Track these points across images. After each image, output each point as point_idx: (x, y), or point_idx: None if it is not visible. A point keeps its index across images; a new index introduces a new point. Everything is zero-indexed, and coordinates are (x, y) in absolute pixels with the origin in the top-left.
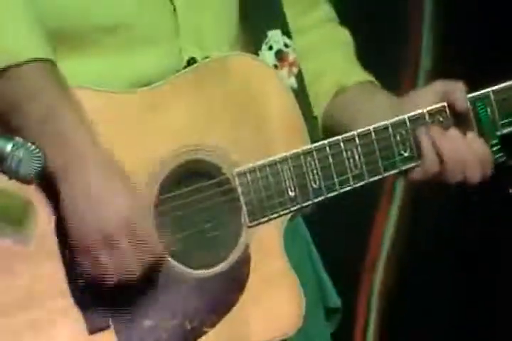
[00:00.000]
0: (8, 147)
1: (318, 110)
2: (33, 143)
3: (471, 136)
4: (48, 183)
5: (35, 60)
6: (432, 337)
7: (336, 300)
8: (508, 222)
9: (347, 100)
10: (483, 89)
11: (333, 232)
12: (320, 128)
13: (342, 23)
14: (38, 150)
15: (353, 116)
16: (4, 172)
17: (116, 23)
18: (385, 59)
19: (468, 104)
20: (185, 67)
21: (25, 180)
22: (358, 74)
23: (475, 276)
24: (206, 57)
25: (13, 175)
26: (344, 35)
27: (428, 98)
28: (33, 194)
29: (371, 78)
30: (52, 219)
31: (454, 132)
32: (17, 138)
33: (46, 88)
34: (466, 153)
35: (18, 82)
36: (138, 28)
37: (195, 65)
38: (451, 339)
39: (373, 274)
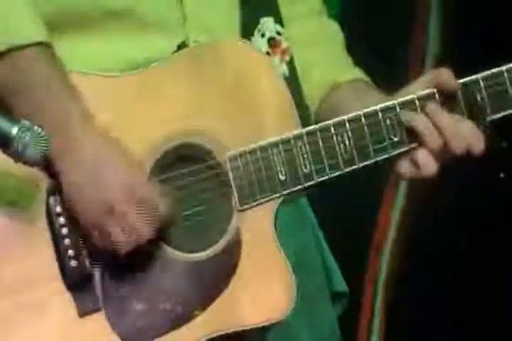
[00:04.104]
0: (15, 130)
1: (310, 102)
2: (39, 127)
3: (458, 117)
4: (46, 167)
5: (38, 44)
6: (436, 322)
7: (342, 285)
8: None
9: (340, 97)
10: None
11: (340, 217)
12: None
13: (348, 8)
14: (44, 133)
15: (345, 113)
16: (11, 155)
17: (126, 7)
18: (391, 47)
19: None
20: (175, 51)
21: (31, 163)
22: (351, 71)
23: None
24: (196, 42)
25: (20, 158)
26: (334, 28)
27: (419, 89)
28: (35, 176)
29: (363, 75)
30: (44, 202)
31: (443, 116)
32: (23, 121)
33: (47, 74)
34: (453, 134)
35: (18, 66)
36: (146, 13)
37: (185, 50)
38: (455, 323)
39: (380, 259)
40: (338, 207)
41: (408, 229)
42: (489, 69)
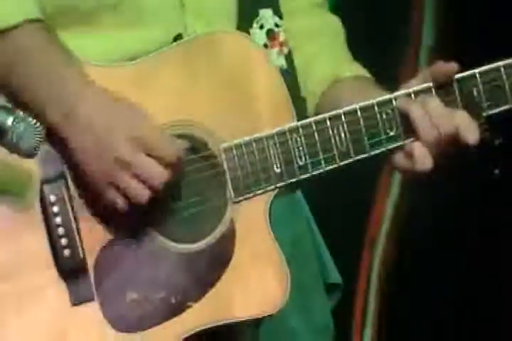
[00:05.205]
0: (9, 121)
1: (311, 96)
2: (33, 118)
3: (452, 109)
4: (51, 145)
5: (34, 21)
6: (430, 312)
7: (336, 276)
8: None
9: (342, 92)
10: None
11: (334, 209)
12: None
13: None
14: (38, 124)
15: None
16: (5, 146)
17: None
18: (386, 35)
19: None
20: (171, 43)
21: (25, 154)
22: (354, 67)
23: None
24: (193, 33)
25: (14, 148)
26: (335, 22)
27: (417, 85)
28: (29, 165)
29: (365, 72)
30: (37, 191)
31: (434, 103)
32: (18, 112)
33: (44, 45)
34: (444, 120)
35: (17, 41)
36: (144, 3)
37: (182, 41)
38: (451, 315)
39: (373, 251)
40: (332, 200)
41: (402, 222)
42: (485, 62)
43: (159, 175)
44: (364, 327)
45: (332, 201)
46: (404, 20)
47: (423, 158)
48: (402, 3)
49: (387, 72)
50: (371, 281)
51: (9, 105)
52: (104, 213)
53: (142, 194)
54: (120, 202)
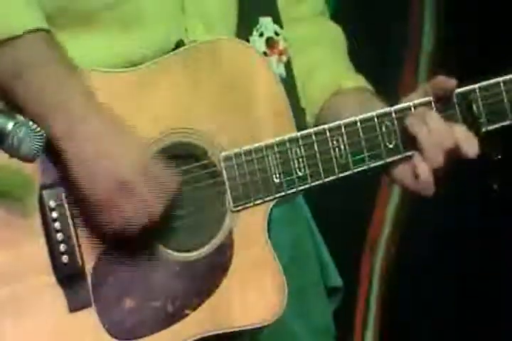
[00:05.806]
0: (10, 125)
1: (311, 106)
2: (34, 122)
3: (451, 124)
4: (51, 153)
5: (35, 30)
6: (431, 315)
7: (337, 279)
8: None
9: (343, 103)
10: (482, 76)
11: (335, 212)
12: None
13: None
14: (39, 128)
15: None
16: (5, 150)
17: None
18: (385, 37)
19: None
20: (173, 49)
21: (25, 159)
22: (355, 78)
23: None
24: (194, 41)
25: (15, 153)
26: (337, 31)
27: (418, 98)
28: (29, 169)
29: (366, 83)
30: (37, 196)
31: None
32: (18, 117)
33: (46, 56)
34: (444, 134)
35: (19, 52)
36: (144, 5)
37: (183, 48)
38: (452, 318)
39: (374, 254)
40: (333, 202)
41: (403, 225)
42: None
43: (158, 210)
44: (365, 330)
45: (333, 203)
46: (403, 21)
47: (429, 184)
48: (402, 4)
49: (386, 73)
50: (372, 284)
51: (10, 109)
52: None
53: (137, 225)
54: (112, 226)
